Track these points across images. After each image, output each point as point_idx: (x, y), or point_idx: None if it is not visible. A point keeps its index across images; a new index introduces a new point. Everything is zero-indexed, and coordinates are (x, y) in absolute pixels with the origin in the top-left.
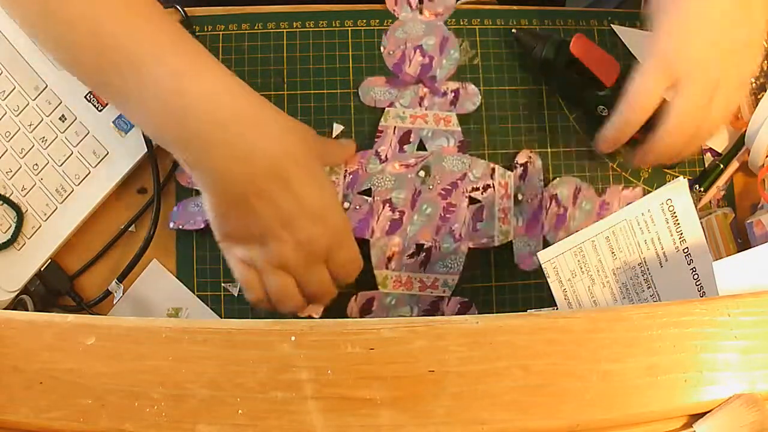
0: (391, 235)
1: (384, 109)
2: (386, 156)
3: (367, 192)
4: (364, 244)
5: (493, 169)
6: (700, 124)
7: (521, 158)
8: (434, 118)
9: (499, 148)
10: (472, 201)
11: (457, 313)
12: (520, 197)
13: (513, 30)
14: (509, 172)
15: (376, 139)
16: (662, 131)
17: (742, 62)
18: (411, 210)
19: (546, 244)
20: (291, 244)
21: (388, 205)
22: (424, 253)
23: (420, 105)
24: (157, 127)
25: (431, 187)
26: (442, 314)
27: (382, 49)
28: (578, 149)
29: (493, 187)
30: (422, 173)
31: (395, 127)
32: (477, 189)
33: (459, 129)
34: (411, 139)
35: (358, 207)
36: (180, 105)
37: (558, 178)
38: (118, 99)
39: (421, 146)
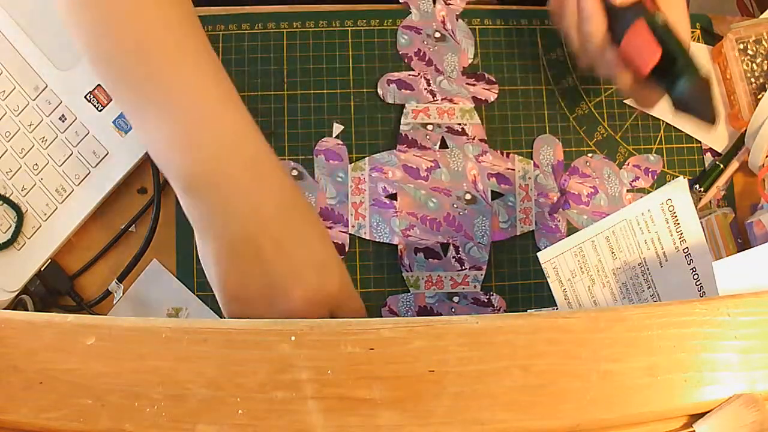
0: (417, 236)
1: (402, 106)
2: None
3: (393, 196)
4: (391, 250)
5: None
6: None
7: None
8: (438, 111)
9: (499, 146)
10: (494, 196)
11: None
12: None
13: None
14: (530, 170)
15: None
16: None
17: None
18: (435, 210)
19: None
20: (299, 300)
21: (411, 206)
22: (450, 251)
23: (433, 97)
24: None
25: (450, 185)
26: (493, 308)
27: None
28: (578, 149)
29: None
30: (443, 172)
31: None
32: (496, 180)
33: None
34: (431, 138)
35: (382, 209)
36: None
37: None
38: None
39: (443, 143)
